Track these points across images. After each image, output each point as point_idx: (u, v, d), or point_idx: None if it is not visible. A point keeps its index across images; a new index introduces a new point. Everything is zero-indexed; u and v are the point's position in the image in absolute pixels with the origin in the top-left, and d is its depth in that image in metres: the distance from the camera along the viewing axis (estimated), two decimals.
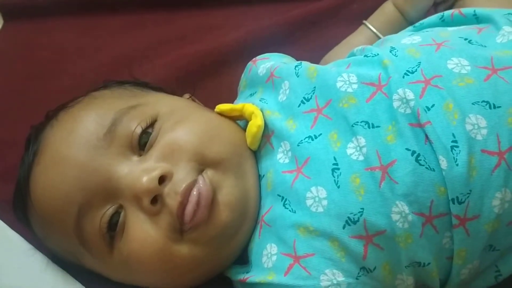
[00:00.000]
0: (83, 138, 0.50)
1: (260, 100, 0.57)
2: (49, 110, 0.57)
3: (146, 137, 0.51)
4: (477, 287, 0.51)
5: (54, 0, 0.90)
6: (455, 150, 0.45)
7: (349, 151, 0.48)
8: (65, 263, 0.57)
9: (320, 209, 0.48)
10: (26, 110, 0.76)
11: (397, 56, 0.51)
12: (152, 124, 0.52)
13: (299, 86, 0.54)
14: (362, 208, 0.46)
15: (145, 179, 0.47)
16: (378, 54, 0.52)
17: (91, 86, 0.59)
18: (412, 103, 0.47)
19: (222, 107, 0.57)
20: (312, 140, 0.50)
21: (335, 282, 0.47)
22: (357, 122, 0.48)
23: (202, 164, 0.50)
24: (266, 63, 0.60)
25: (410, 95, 0.47)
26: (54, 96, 0.62)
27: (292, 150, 0.51)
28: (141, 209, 0.48)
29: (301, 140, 0.51)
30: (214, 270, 0.53)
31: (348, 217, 0.47)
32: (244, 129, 0.56)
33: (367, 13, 0.76)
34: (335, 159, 0.48)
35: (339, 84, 0.51)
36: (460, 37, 0.52)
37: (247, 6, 0.86)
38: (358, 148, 0.48)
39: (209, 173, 0.50)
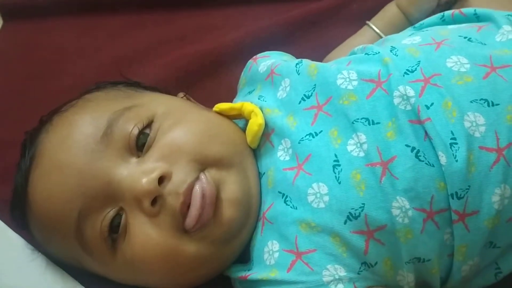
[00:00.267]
0: (80, 143, 0.50)
1: (258, 98, 0.57)
2: (42, 115, 0.56)
3: (144, 138, 0.51)
4: (477, 284, 0.51)
5: (54, 0, 0.90)
6: (454, 146, 0.45)
7: (349, 148, 0.48)
8: (64, 264, 0.57)
9: (322, 205, 0.48)
10: (26, 110, 0.76)
11: (397, 55, 0.51)
12: (149, 125, 0.51)
13: (300, 84, 0.54)
14: (363, 204, 0.47)
15: (144, 180, 0.47)
16: (379, 52, 0.52)
17: (89, 87, 0.59)
18: (412, 100, 0.47)
19: (221, 106, 0.57)
20: (313, 137, 0.50)
21: (337, 277, 0.47)
22: (358, 119, 0.49)
23: (203, 164, 0.50)
24: (266, 61, 0.60)
25: (410, 92, 0.47)
26: (54, 96, 0.62)
27: (293, 148, 0.51)
28: (142, 211, 0.48)
29: (302, 138, 0.51)
30: (216, 270, 0.53)
31: (350, 213, 0.47)
32: (243, 127, 0.56)
33: (367, 13, 0.77)
34: (336, 155, 0.49)
35: (339, 81, 0.51)
36: (459, 36, 0.52)
37: (247, 6, 0.86)
38: (358, 144, 0.48)
39: (211, 171, 0.50)
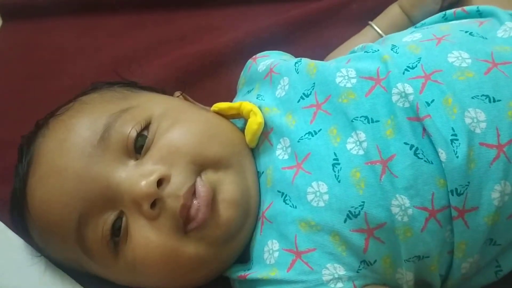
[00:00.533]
0: (77, 147, 0.49)
1: (257, 97, 0.57)
2: (38, 119, 0.56)
3: (142, 140, 0.50)
4: (478, 283, 0.51)
5: (54, 0, 0.91)
6: (455, 143, 0.45)
7: (349, 146, 0.48)
8: (64, 266, 0.57)
9: (321, 204, 0.48)
10: (26, 110, 0.76)
11: (398, 53, 0.51)
12: (146, 127, 0.51)
13: (299, 82, 0.54)
14: (363, 202, 0.47)
15: (143, 183, 0.47)
16: (378, 50, 0.52)
17: (85, 88, 0.59)
18: (411, 97, 0.47)
19: (220, 105, 0.57)
20: (312, 136, 0.50)
21: (336, 276, 0.47)
22: (357, 117, 0.49)
23: (201, 165, 0.50)
24: (266, 60, 0.60)
25: (409, 89, 0.47)
26: (54, 96, 0.62)
27: (292, 146, 0.51)
28: (141, 213, 0.48)
29: (301, 137, 0.51)
30: (216, 270, 0.53)
31: (349, 211, 0.47)
32: (241, 127, 0.56)
33: (367, 13, 0.77)
34: (335, 154, 0.49)
35: (338, 80, 0.51)
36: (460, 30, 0.52)
37: (247, 6, 0.86)
38: (358, 142, 0.48)
39: (208, 173, 0.50)
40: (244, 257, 0.54)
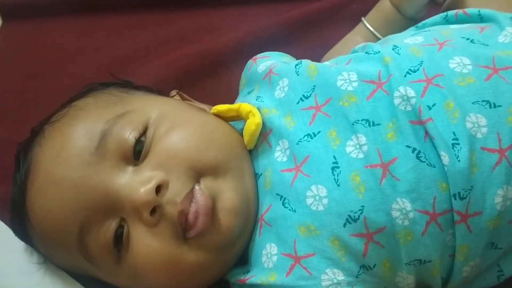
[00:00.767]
0: (75, 156, 0.49)
1: (256, 99, 0.57)
2: (33, 127, 0.56)
3: (140, 145, 0.50)
4: (479, 286, 0.51)
5: (54, 0, 0.91)
6: (456, 147, 0.45)
7: (348, 149, 0.48)
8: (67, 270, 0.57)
9: (321, 208, 0.48)
10: (26, 110, 0.76)
11: (399, 54, 0.51)
12: (144, 132, 0.51)
13: (299, 84, 0.54)
14: (363, 206, 0.46)
15: (142, 190, 0.47)
16: (379, 51, 0.52)
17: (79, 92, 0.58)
18: (413, 101, 0.47)
19: (219, 107, 0.56)
20: (311, 138, 0.50)
21: (335, 281, 0.47)
22: (358, 120, 0.48)
23: (199, 171, 0.49)
24: (266, 61, 0.60)
25: (411, 93, 0.47)
26: (54, 96, 0.62)
27: (291, 148, 0.51)
28: (141, 221, 0.48)
29: (300, 139, 0.50)
30: (216, 275, 0.53)
31: (349, 215, 0.47)
32: (241, 129, 0.56)
33: (367, 13, 0.76)
34: (334, 157, 0.48)
35: (339, 83, 0.51)
36: (462, 37, 0.52)
37: (247, 6, 0.86)
38: (357, 146, 0.48)
39: (206, 180, 0.49)
40: (242, 258, 0.53)
